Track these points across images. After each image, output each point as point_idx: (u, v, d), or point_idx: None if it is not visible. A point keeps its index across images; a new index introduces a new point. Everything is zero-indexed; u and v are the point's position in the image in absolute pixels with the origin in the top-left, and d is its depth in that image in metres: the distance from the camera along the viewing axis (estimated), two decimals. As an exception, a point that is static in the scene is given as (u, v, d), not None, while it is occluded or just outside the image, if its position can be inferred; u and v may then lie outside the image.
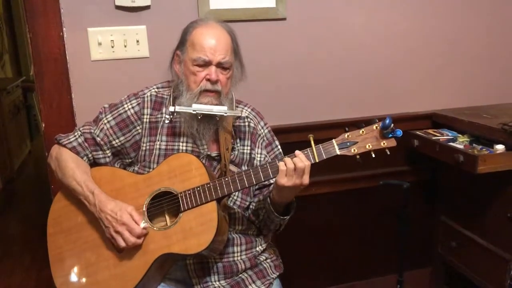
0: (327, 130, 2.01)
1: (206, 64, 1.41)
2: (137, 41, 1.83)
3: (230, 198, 1.50)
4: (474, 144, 1.92)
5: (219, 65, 1.41)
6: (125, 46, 1.82)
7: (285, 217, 1.48)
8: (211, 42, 1.40)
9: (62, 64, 1.78)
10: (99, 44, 1.80)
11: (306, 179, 1.32)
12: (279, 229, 1.54)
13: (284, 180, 1.32)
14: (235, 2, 1.89)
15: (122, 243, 1.35)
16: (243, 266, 1.50)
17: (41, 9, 1.72)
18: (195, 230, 1.34)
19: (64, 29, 1.76)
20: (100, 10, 1.78)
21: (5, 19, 5.42)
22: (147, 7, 1.82)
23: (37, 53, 1.75)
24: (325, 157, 1.34)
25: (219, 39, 1.42)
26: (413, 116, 2.21)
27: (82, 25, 1.78)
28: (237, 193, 1.50)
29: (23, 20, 5.29)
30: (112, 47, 1.81)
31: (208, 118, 1.43)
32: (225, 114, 1.43)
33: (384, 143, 1.33)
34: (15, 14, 5.61)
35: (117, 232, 1.35)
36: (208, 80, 1.41)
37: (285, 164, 1.31)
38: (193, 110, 1.40)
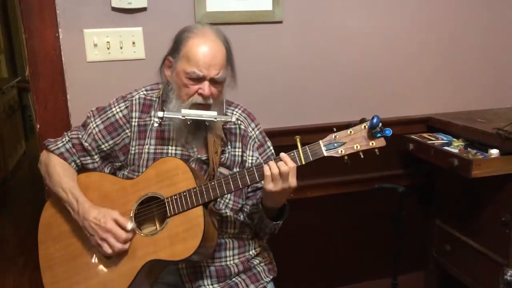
0: (322, 134, 1.99)
1: (200, 79, 1.39)
2: (133, 43, 1.83)
3: (222, 201, 1.49)
4: (468, 149, 1.93)
5: (212, 80, 1.40)
6: (121, 48, 1.82)
7: (278, 222, 1.47)
8: (206, 57, 1.38)
9: (57, 65, 1.77)
10: (95, 45, 1.79)
11: (293, 182, 1.31)
12: (274, 232, 1.53)
13: (270, 186, 1.30)
14: (231, 4, 1.89)
15: (108, 250, 1.33)
16: (236, 270, 1.50)
17: (37, 10, 1.71)
18: (181, 236, 1.33)
19: (60, 30, 1.75)
20: (96, 11, 1.77)
21: (0, 19, 5.40)
22: (144, 9, 1.81)
23: (32, 54, 1.74)
24: (312, 159, 1.32)
25: (214, 53, 1.39)
26: (408, 120, 2.22)
27: (78, 26, 1.77)
28: (229, 195, 1.48)
29: (19, 20, 5.27)
30: (108, 48, 1.81)
31: (198, 125, 1.42)
32: (215, 120, 1.42)
33: (373, 143, 1.30)
34: (11, 14, 5.58)
35: (103, 239, 1.33)
36: (200, 94, 1.40)
37: (270, 169, 1.29)
38: (182, 116, 1.39)
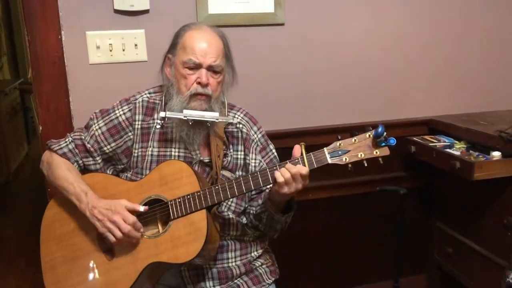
0: (324, 136, 2.02)
1: (197, 67, 1.40)
2: (136, 45, 1.83)
3: (225, 204, 1.49)
4: (470, 151, 1.92)
5: (210, 68, 1.41)
6: (124, 50, 1.82)
7: (289, 214, 1.47)
8: (202, 45, 1.40)
9: (60, 67, 1.78)
10: (98, 47, 1.80)
11: (306, 182, 1.33)
12: (285, 227, 1.53)
13: (285, 190, 1.32)
14: (233, 7, 1.90)
15: (118, 233, 1.32)
16: (238, 272, 1.50)
17: (40, 12, 1.72)
18: (184, 239, 1.33)
19: (62, 32, 1.76)
20: (98, 13, 1.78)
21: (3, 21, 5.41)
22: (146, 11, 1.82)
23: (35, 56, 1.75)
24: (316, 166, 1.33)
25: (210, 42, 1.41)
26: (410, 122, 2.22)
27: (81, 29, 1.78)
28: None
29: (21, 22, 5.28)
30: (111, 50, 1.81)
31: (199, 124, 1.43)
32: (217, 120, 1.43)
33: (377, 152, 1.32)
34: (14, 16, 5.60)
35: (112, 221, 1.32)
36: (199, 83, 1.40)
37: (282, 175, 1.30)
38: (184, 116, 1.39)
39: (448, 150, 1.98)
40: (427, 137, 2.15)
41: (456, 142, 2.04)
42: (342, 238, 2.28)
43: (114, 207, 1.34)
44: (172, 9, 1.84)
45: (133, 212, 1.35)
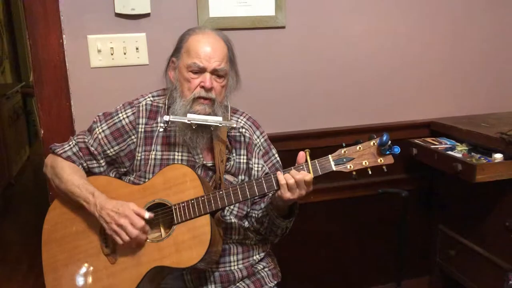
0: (325, 138, 2.03)
1: (201, 70, 1.40)
2: (137, 49, 1.84)
3: (227, 208, 1.49)
4: (472, 153, 1.92)
5: (214, 72, 1.41)
6: (125, 54, 1.83)
7: (291, 219, 1.47)
8: (206, 49, 1.40)
9: (61, 71, 1.78)
10: (99, 51, 1.80)
11: (309, 188, 1.34)
12: (286, 232, 1.54)
13: (288, 195, 1.32)
14: (234, 10, 1.90)
15: (125, 237, 1.32)
16: (240, 275, 1.50)
17: (41, 16, 1.72)
18: (187, 244, 1.33)
19: (64, 36, 1.76)
20: (100, 17, 1.78)
21: (5, 24, 5.43)
22: (147, 15, 1.82)
23: (36, 60, 1.75)
24: (320, 173, 1.34)
25: (215, 46, 1.42)
26: (411, 125, 2.22)
27: (82, 32, 1.78)
28: None
29: (23, 26, 5.30)
30: (112, 54, 1.82)
31: (202, 128, 1.43)
32: (220, 125, 1.43)
33: (381, 160, 1.33)
34: (15, 19, 5.62)
35: (120, 225, 1.32)
36: (202, 87, 1.40)
37: (285, 181, 1.31)
38: (188, 120, 1.40)
39: (449, 152, 1.98)
40: (428, 139, 2.15)
41: (458, 144, 2.04)
42: (344, 241, 2.28)
43: (122, 209, 1.33)
44: (173, 12, 1.85)
45: (139, 216, 1.35)
